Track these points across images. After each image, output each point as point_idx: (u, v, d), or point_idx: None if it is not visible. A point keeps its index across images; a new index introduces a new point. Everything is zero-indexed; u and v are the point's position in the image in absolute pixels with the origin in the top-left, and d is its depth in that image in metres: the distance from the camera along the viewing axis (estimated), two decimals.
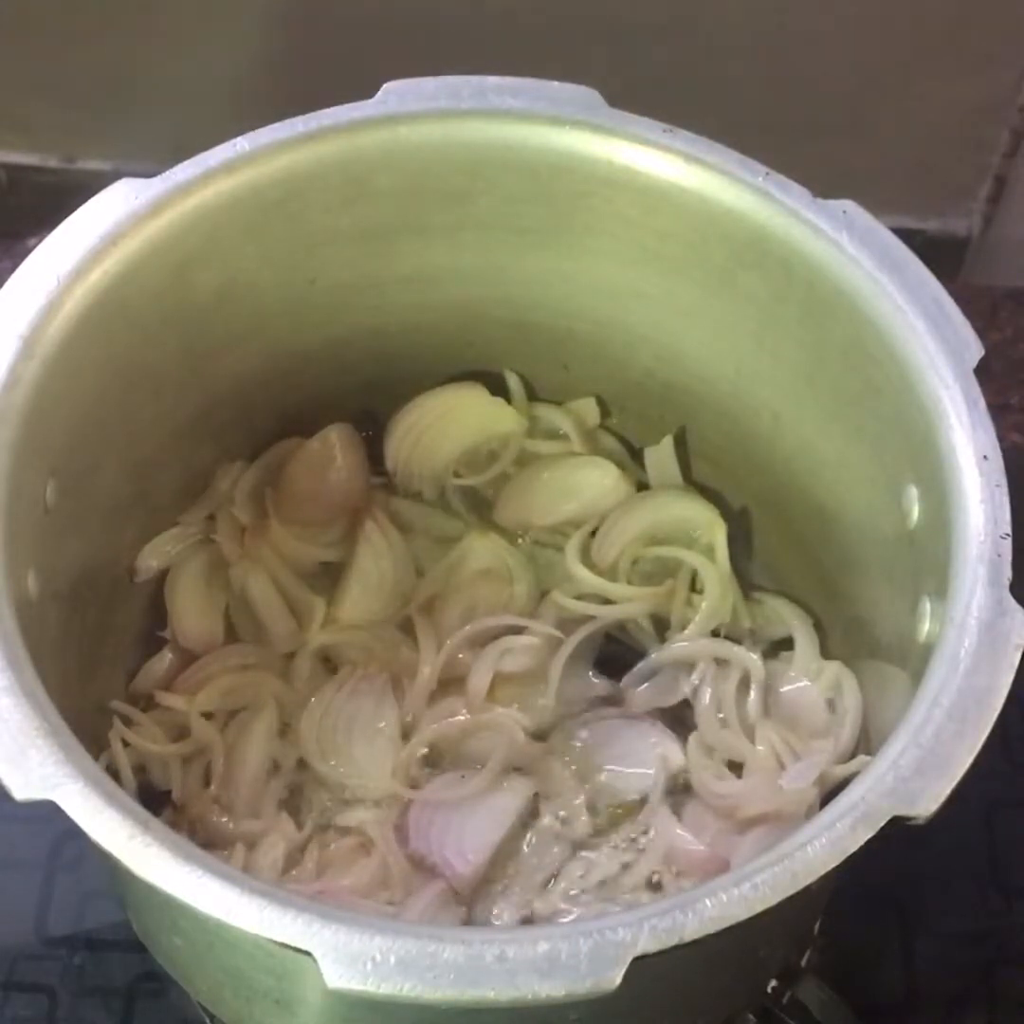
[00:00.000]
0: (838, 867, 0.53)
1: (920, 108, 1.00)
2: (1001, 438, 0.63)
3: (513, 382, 0.85)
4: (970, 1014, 0.81)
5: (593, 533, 0.84)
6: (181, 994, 0.71)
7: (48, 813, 0.54)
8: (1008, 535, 0.61)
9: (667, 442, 0.84)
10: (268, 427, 0.83)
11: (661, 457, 0.85)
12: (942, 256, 0.85)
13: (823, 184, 0.69)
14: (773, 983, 0.71)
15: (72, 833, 0.54)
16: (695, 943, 0.51)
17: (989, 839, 0.84)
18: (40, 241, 0.66)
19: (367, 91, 0.72)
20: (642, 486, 0.86)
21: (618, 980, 0.50)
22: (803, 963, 0.75)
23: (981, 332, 0.65)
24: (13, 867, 0.82)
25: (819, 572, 0.79)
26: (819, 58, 0.98)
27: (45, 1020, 0.78)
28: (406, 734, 0.78)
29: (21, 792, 0.54)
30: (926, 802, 0.54)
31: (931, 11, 0.95)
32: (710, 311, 0.76)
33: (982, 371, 0.64)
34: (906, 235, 0.68)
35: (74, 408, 0.67)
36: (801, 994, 0.71)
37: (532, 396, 0.86)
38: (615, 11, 0.96)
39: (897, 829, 0.55)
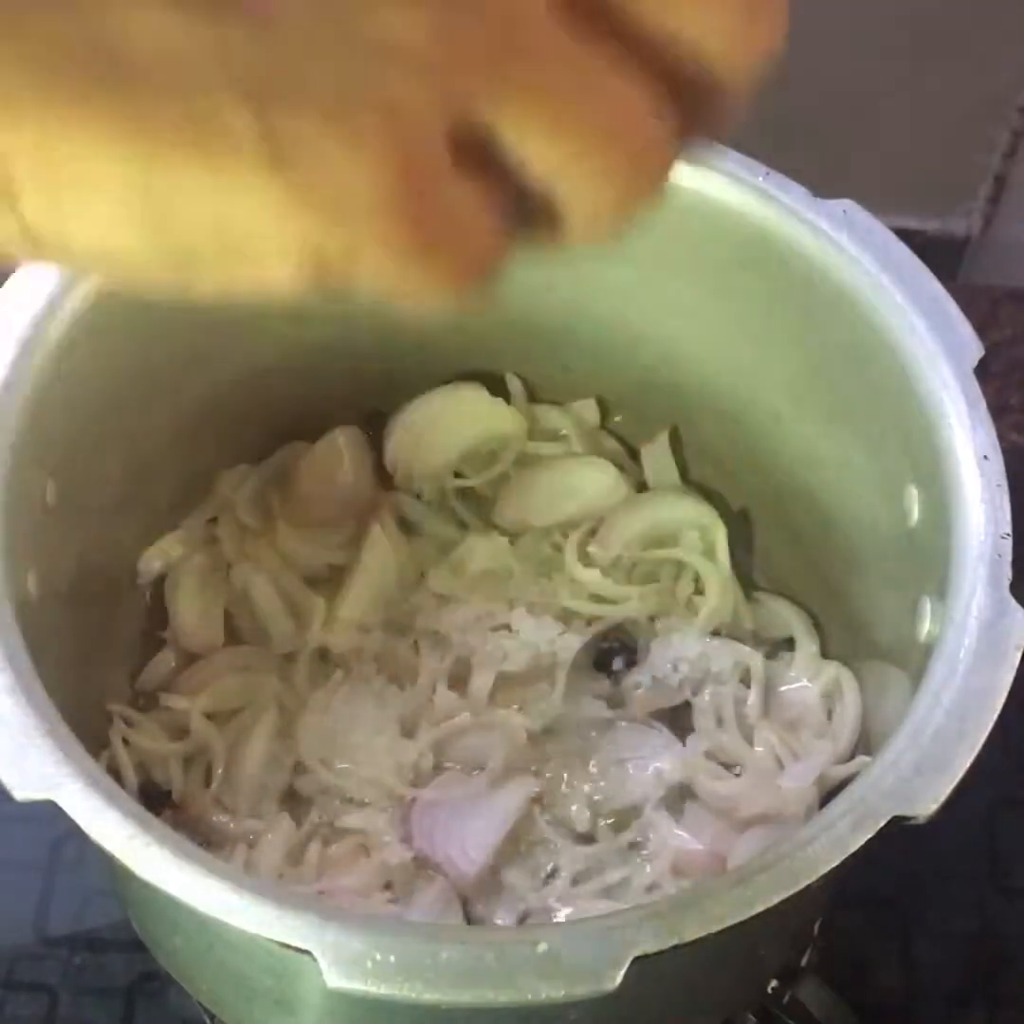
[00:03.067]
0: (838, 867, 0.53)
1: (920, 108, 1.00)
2: (1001, 438, 0.63)
3: (513, 383, 0.85)
4: (970, 1014, 0.81)
5: (593, 533, 0.84)
6: (181, 994, 0.71)
7: (48, 813, 0.54)
8: (1008, 535, 0.61)
9: (663, 438, 0.84)
10: (268, 428, 0.83)
11: (658, 454, 0.85)
12: (942, 256, 0.85)
13: (823, 184, 0.69)
14: (773, 983, 0.71)
15: (72, 833, 0.54)
16: (695, 943, 0.51)
17: (989, 839, 0.84)
18: None
19: None
20: (642, 487, 0.86)
21: (618, 980, 0.50)
22: (803, 963, 0.75)
23: (981, 332, 0.65)
24: (13, 867, 0.82)
25: (819, 572, 0.79)
26: (819, 58, 0.98)
27: (45, 1020, 0.78)
28: (406, 735, 0.78)
29: (21, 792, 0.54)
30: (926, 802, 0.54)
31: (931, 11, 0.95)
32: (710, 311, 0.76)
33: (982, 371, 0.64)
34: (906, 235, 0.68)
35: (74, 408, 0.67)
36: (801, 994, 0.71)
37: (532, 397, 0.85)
38: None
39: (897, 829, 0.55)
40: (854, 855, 0.54)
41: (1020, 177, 1.05)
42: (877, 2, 0.96)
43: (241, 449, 0.83)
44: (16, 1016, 0.78)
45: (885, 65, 0.99)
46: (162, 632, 0.81)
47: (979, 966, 0.82)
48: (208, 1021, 0.75)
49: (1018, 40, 0.97)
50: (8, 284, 0.66)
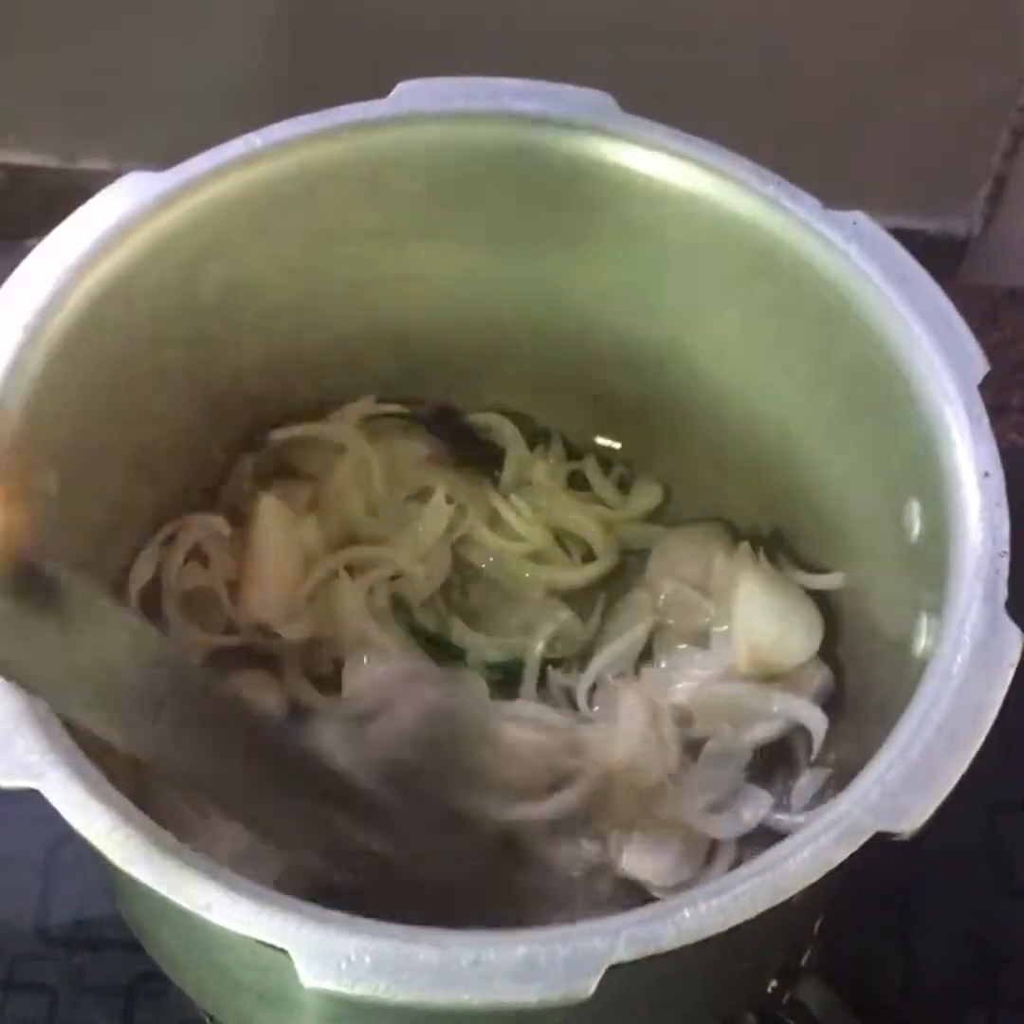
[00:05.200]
0: (820, 881, 0.53)
1: (920, 108, 1.00)
2: (1001, 438, 0.63)
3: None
4: (970, 1014, 0.80)
5: None
6: (182, 994, 0.71)
7: (48, 812, 0.54)
8: (1005, 553, 0.60)
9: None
10: (275, 420, 0.83)
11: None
12: (942, 256, 0.85)
13: (823, 185, 0.69)
14: (773, 983, 0.71)
15: (72, 833, 0.54)
16: (672, 953, 0.51)
17: (989, 839, 0.84)
18: (40, 241, 0.67)
19: (380, 91, 0.72)
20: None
21: (593, 988, 0.50)
22: (803, 963, 0.74)
23: (981, 332, 0.65)
24: (13, 867, 0.82)
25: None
26: (819, 59, 0.98)
27: (45, 1020, 0.78)
28: None
29: (4, 779, 0.54)
30: (911, 819, 0.54)
31: (931, 11, 0.95)
32: (721, 320, 0.76)
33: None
34: (906, 235, 0.68)
35: (78, 399, 0.68)
36: (801, 994, 0.71)
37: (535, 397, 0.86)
38: (629, 16, 0.96)
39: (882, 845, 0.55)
40: (839, 869, 0.54)
41: (1020, 177, 1.04)
42: (877, 3, 0.96)
43: (248, 442, 0.83)
44: (16, 1016, 0.78)
45: (885, 66, 0.99)
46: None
47: (979, 966, 0.81)
48: (208, 1021, 0.75)
49: (1018, 40, 0.97)
50: (15, 273, 0.66)
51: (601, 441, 0.88)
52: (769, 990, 0.71)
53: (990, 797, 0.84)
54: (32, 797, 0.54)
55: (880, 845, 0.54)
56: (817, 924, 0.75)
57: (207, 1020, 0.75)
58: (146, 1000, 0.79)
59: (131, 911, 0.69)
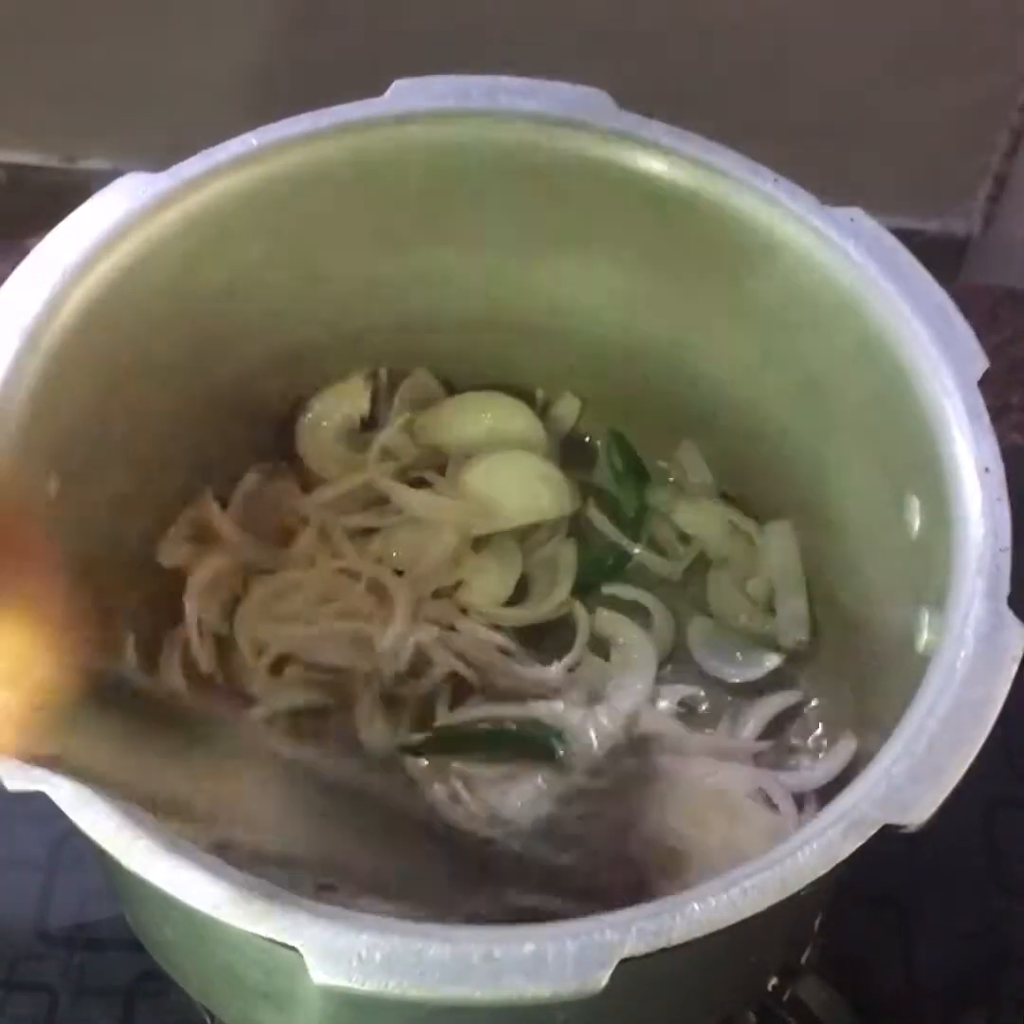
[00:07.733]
0: (828, 874, 0.53)
1: (920, 108, 1.01)
2: (1001, 438, 0.63)
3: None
4: (970, 1014, 0.80)
5: None
6: (182, 994, 0.71)
7: (49, 812, 0.54)
8: (1007, 549, 0.60)
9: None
10: (277, 422, 0.83)
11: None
12: (942, 256, 0.85)
13: (823, 185, 0.69)
14: (773, 981, 0.71)
15: (73, 833, 0.54)
16: (683, 946, 0.51)
17: (989, 839, 0.84)
18: (40, 241, 0.66)
19: (376, 90, 0.72)
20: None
21: (604, 982, 0.50)
22: (803, 961, 0.75)
23: (981, 332, 0.65)
24: (13, 867, 0.82)
25: (822, 582, 0.80)
26: (819, 59, 0.98)
27: (45, 1020, 0.78)
28: None
29: (12, 783, 0.53)
30: (918, 811, 0.54)
31: (931, 11, 0.95)
32: (719, 318, 0.76)
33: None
34: (906, 235, 0.68)
35: (78, 401, 0.67)
36: (802, 992, 0.71)
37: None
38: (628, 15, 0.96)
39: (890, 837, 0.55)
40: (845, 862, 0.54)
41: (1020, 177, 1.05)
42: (877, 3, 0.96)
43: (248, 443, 0.83)
44: (16, 1016, 0.78)
45: (885, 65, 0.99)
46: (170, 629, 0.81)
47: (979, 966, 0.81)
48: (208, 1021, 0.75)
49: (1018, 40, 0.97)
50: (13, 277, 0.66)
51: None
52: (769, 988, 0.71)
53: (990, 796, 0.84)
54: (33, 797, 0.54)
55: (884, 840, 0.54)
56: (818, 921, 0.75)
57: (208, 1020, 0.75)
58: (146, 1000, 0.79)
59: (134, 912, 0.69)
